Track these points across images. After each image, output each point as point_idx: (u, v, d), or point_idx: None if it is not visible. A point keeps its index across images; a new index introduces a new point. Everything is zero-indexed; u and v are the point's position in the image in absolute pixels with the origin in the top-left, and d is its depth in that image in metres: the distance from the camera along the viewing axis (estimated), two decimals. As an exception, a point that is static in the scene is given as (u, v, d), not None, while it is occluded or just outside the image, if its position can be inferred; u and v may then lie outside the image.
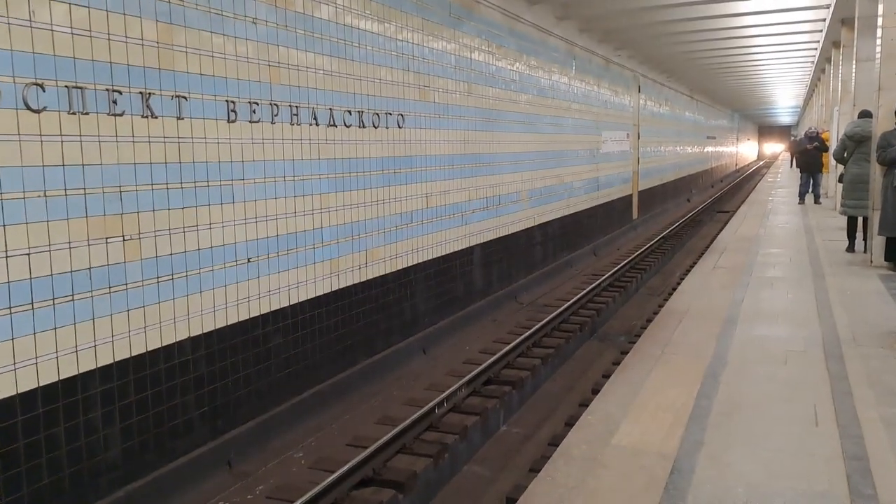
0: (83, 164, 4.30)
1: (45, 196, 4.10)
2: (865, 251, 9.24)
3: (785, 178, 28.33)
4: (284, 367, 6.09)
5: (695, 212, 22.47)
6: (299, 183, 6.15)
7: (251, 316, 5.69)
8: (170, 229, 4.90)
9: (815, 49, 18.65)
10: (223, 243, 5.37)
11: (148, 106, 4.69)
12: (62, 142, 4.18)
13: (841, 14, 13.74)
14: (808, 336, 5.79)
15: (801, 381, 4.76)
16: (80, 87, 4.26)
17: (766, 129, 73.43)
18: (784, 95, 36.17)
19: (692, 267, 11.70)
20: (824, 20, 14.76)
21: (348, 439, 5.86)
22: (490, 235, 10.19)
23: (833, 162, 14.10)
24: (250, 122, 5.58)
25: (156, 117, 4.75)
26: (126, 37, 4.54)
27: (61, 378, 4.22)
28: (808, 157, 16.80)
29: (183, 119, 4.97)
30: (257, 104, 5.64)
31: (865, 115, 9.89)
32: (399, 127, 7.67)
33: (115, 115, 4.47)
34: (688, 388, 4.62)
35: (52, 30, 4.10)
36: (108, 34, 4.43)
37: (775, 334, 5.89)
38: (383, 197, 7.42)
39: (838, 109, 15.11)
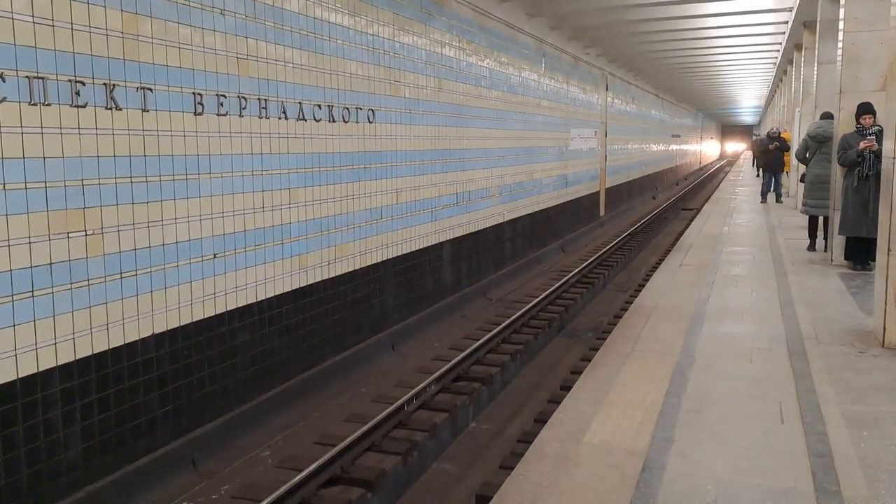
0: (44, 157, 4.18)
1: (5, 189, 3.98)
2: (826, 250, 9.41)
3: (747, 176, 28.76)
4: (251, 364, 6.01)
5: (660, 209, 22.70)
6: (267, 177, 6.07)
7: (217, 313, 5.60)
8: (134, 224, 4.79)
9: (778, 51, 18.96)
10: (188, 238, 5.27)
11: (112, 98, 4.58)
12: (22, 133, 4.06)
13: (803, 17, 13.96)
14: (772, 334, 5.87)
15: (766, 378, 4.83)
16: (42, 78, 4.14)
17: (729, 128, 74.49)
18: (747, 95, 36.74)
19: (658, 264, 11.83)
20: (787, 23, 15.01)
21: (316, 437, 5.80)
22: (460, 231, 10.18)
23: (795, 162, 14.32)
24: (217, 115, 5.49)
25: (120, 109, 4.64)
26: (90, 26, 4.42)
27: (20, 376, 4.10)
28: (770, 156, 17.07)
29: (148, 111, 4.86)
30: (225, 97, 5.55)
31: (827, 116, 10.06)
32: (369, 122, 7.61)
33: (77, 106, 4.36)
34: (657, 386, 4.65)
35: (12, 18, 3.98)
36: (71, 23, 4.31)
37: (741, 332, 5.97)
38: (353, 192, 7.37)
39: (800, 110, 15.37)
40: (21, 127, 4.05)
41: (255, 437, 5.85)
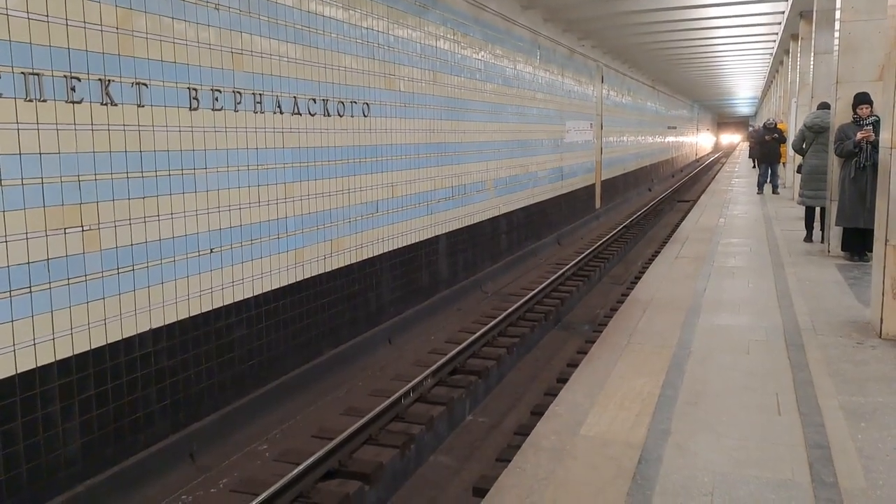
0: (40, 153, 4.17)
1: (1, 186, 3.97)
2: (823, 241, 9.43)
3: (743, 168, 28.79)
4: (248, 358, 6.02)
5: (656, 201, 22.71)
6: (263, 172, 6.06)
7: (214, 307, 5.60)
8: (130, 219, 4.79)
9: (774, 41, 18.94)
10: (185, 233, 5.27)
11: (107, 93, 4.56)
12: (18, 130, 4.05)
13: (799, 7, 13.97)
14: (769, 325, 5.89)
15: (763, 369, 4.84)
16: (37, 74, 4.13)
17: (725, 120, 74.39)
18: (743, 86, 36.71)
19: (654, 256, 11.85)
20: (783, 13, 14.99)
21: (314, 431, 5.82)
22: (455, 225, 10.18)
23: (792, 152, 14.34)
24: (213, 109, 5.47)
25: (115, 105, 4.63)
26: (84, 22, 4.41)
27: (19, 372, 4.10)
28: (767, 147, 17.07)
29: (143, 107, 4.85)
30: (220, 92, 5.53)
31: (824, 106, 10.06)
32: (364, 116, 7.60)
33: (73, 102, 4.35)
34: (654, 378, 4.67)
35: (7, 14, 3.96)
36: (66, 19, 4.29)
37: (737, 324, 5.99)
38: (349, 186, 7.36)
39: (796, 101, 15.38)
40: (17, 123, 4.04)
41: (252, 431, 5.86)
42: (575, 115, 17.05)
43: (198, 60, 5.31)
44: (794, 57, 16.67)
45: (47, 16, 4.18)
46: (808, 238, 10.05)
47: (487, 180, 11.39)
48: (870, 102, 7.98)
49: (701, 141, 57.19)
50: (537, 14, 13.61)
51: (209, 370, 5.60)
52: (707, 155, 60.17)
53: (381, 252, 8.09)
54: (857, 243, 8.35)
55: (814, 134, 9.76)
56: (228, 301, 5.74)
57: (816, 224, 10.00)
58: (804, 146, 9.97)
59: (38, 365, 4.22)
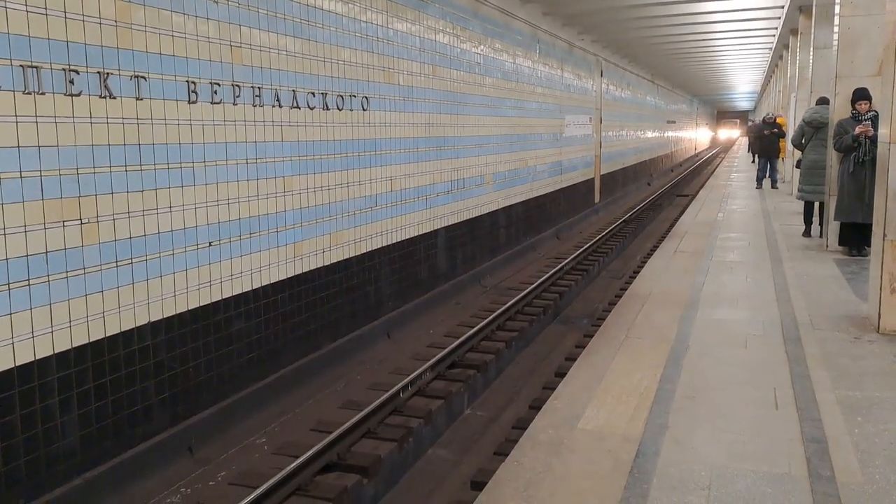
0: (39, 146, 4.17)
1: (0, 178, 3.97)
2: (821, 236, 9.44)
3: (742, 162, 28.79)
4: (246, 352, 6.02)
5: (655, 195, 22.71)
6: (262, 165, 6.06)
7: (212, 300, 5.60)
8: (129, 212, 4.79)
9: (774, 36, 18.92)
10: (184, 227, 5.26)
11: (106, 86, 4.56)
12: (17, 122, 4.04)
13: (799, 2, 13.96)
14: (766, 320, 5.90)
15: (760, 364, 4.85)
16: (36, 67, 4.12)
17: (724, 114, 74.23)
18: (742, 81, 36.66)
19: (653, 251, 11.84)
20: (783, 7, 14.97)
21: (312, 424, 5.83)
22: (454, 219, 10.18)
23: (791, 147, 14.34)
24: (211, 103, 5.47)
25: (114, 98, 4.62)
26: (83, 15, 4.40)
27: (17, 364, 4.11)
28: (766, 142, 17.07)
29: (142, 100, 4.84)
30: (219, 85, 5.52)
31: (823, 101, 10.06)
32: (363, 109, 7.59)
33: (72, 95, 4.34)
34: (652, 372, 4.68)
35: (5, 7, 3.95)
36: (65, 12, 4.29)
37: (735, 318, 6.00)
38: (347, 180, 7.35)
39: (795, 96, 15.37)
40: (15, 116, 4.04)
41: (251, 425, 5.87)
42: (574, 110, 17.04)
43: (196, 54, 5.30)
44: (794, 52, 16.65)
45: (45, 8, 4.17)
46: (807, 233, 10.06)
47: (486, 174, 11.39)
48: (868, 98, 7.97)
49: (700, 135, 57.16)
50: (536, 8, 13.59)
51: (208, 363, 5.60)
52: (706, 150, 60.14)
53: (379, 246, 8.09)
54: (856, 238, 8.35)
55: (813, 129, 9.76)
56: (227, 294, 5.75)
57: (815, 219, 10.00)
58: (803, 141, 9.97)
59: (37, 358, 4.22)
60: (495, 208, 11.88)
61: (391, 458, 5.29)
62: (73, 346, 4.44)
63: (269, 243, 6.19)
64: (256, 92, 5.94)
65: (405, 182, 8.62)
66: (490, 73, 11.47)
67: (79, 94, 4.39)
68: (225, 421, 5.70)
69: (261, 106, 6.00)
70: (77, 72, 4.37)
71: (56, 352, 4.33)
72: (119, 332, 4.77)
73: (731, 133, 72.25)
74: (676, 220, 14.42)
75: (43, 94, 4.17)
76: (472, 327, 8.00)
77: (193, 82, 5.27)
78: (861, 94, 8.03)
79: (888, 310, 5.49)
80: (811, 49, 12.59)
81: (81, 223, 4.45)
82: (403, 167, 8.56)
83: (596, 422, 3.93)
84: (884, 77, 5.68)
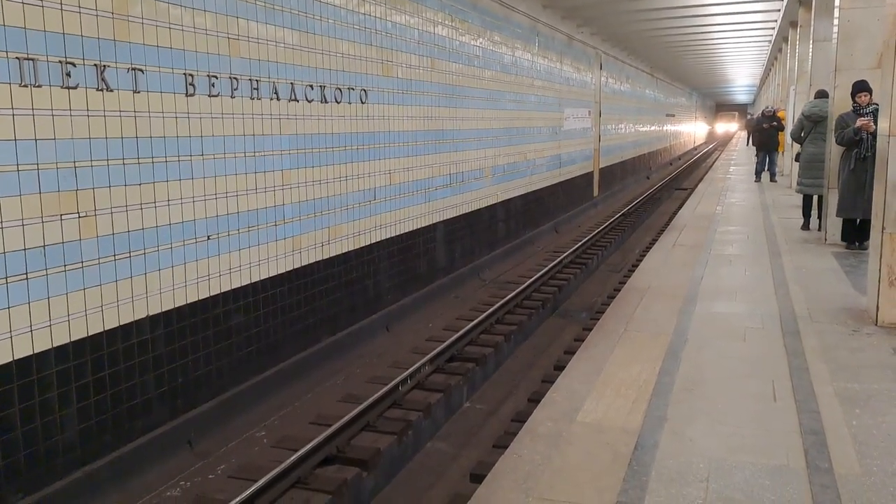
0: (36, 139, 4.16)
1: (-4, 171, 3.96)
2: (820, 229, 9.44)
3: (742, 155, 28.77)
4: (246, 345, 6.02)
5: (654, 189, 22.71)
6: (260, 158, 6.04)
7: (211, 294, 5.60)
8: (126, 206, 4.77)
9: (773, 28, 18.89)
10: (182, 220, 5.25)
11: (103, 79, 4.54)
12: (13, 115, 4.03)
13: (798, -6, 13.92)
14: (765, 313, 5.90)
15: (759, 357, 4.86)
16: (32, 59, 4.11)
17: (723, 107, 74.07)
18: (741, 74, 36.63)
19: (652, 244, 11.85)
20: (782, 0, 14.93)
21: (311, 418, 5.83)
22: (453, 212, 10.17)
23: (790, 141, 14.32)
24: (209, 95, 5.45)
25: (111, 91, 4.61)
26: (80, 7, 4.38)
27: (16, 358, 4.10)
28: (765, 135, 17.05)
29: (139, 93, 4.83)
30: (216, 78, 5.51)
31: (822, 95, 10.04)
32: (362, 102, 7.57)
33: (68, 88, 4.32)
34: (650, 365, 4.68)
35: (0, -2, 3.94)
36: (61, 4, 4.27)
37: (734, 311, 6.00)
38: (346, 173, 7.34)
39: (795, 89, 15.34)
40: (12, 109, 4.02)
41: (250, 418, 5.87)
42: (573, 103, 17.01)
43: (194, 46, 5.28)
44: (793, 45, 16.62)
45: (42, 0, 4.15)
46: (806, 226, 10.06)
47: (485, 168, 11.37)
48: (869, 90, 7.95)
49: (699, 129, 57.09)
50: (536, 1, 13.55)
51: (207, 357, 5.60)
52: (704, 143, 60.11)
53: (378, 239, 8.09)
54: (856, 233, 8.35)
55: (812, 123, 9.75)
56: (226, 288, 5.74)
57: (814, 212, 10.00)
58: (802, 135, 9.96)
59: (36, 351, 4.22)
60: (494, 202, 11.87)
61: (390, 451, 5.30)
62: (72, 339, 4.44)
63: (267, 237, 6.18)
64: (254, 85, 5.92)
65: (404, 175, 8.61)
66: (489, 65, 11.44)
67: (76, 87, 4.37)
68: (224, 414, 5.70)
69: (259, 99, 5.99)
70: (74, 64, 4.35)
71: (55, 345, 4.33)
72: (118, 325, 4.76)
73: (730, 127, 71.89)
74: (675, 213, 14.41)
75: (39, 86, 4.16)
76: (471, 321, 8.00)
77: (191, 75, 5.26)
78: (861, 87, 8.01)
79: (886, 302, 5.50)
80: (810, 42, 12.57)
81: (79, 216, 4.44)
82: (402, 160, 8.54)
83: (595, 414, 3.94)
84: (883, 70, 5.67)
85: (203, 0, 5.35)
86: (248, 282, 5.99)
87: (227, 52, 5.62)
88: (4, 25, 3.96)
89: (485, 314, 8.16)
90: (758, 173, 17.44)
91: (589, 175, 18.99)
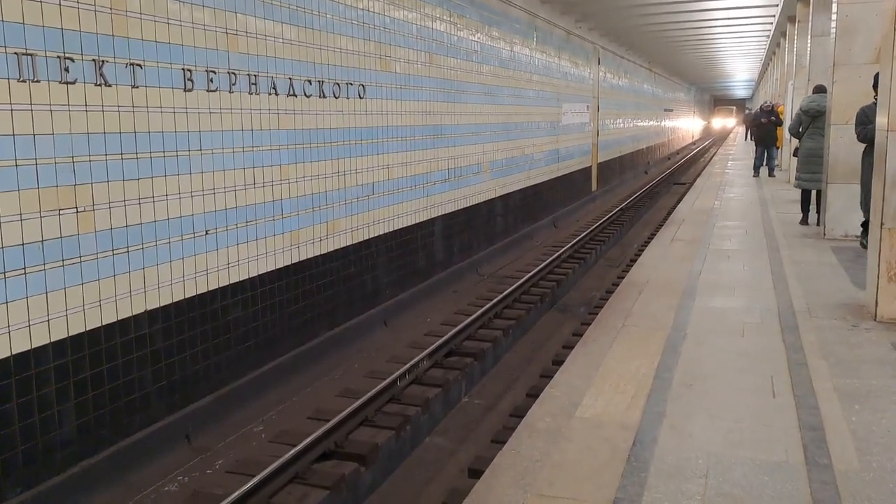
0: (34, 134, 4.14)
1: (-6, 166, 3.95)
2: (819, 224, 9.44)
3: (740, 150, 28.76)
4: (244, 340, 6.02)
5: (652, 183, 22.69)
6: (258, 153, 6.03)
7: (209, 289, 5.59)
8: (125, 201, 4.77)
9: (771, 23, 18.87)
10: (180, 215, 5.25)
11: (101, 74, 4.53)
12: (12, 110, 4.02)
13: (797, -11, 13.91)
14: (764, 308, 5.90)
15: (758, 352, 4.86)
16: (31, 54, 4.09)
17: (722, 102, 73.98)
18: (739, 69, 36.61)
19: (650, 239, 11.86)
20: (781, -6, 14.94)
21: (310, 412, 5.83)
22: (451, 207, 10.16)
23: (788, 136, 14.32)
24: (207, 91, 5.44)
25: (110, 86, 4.60)
26: (78, 2, 4.36)
27: (14, 353, 4.10)
28: (763, 130, 17.04)
29: (138, 88, 4.81)
30: (215, 73, 5.49)
31: (820, 90, 10.04)
32: (360, 97, 7.56)
33: (67, 83, 4.31)
34: (649, 360, 4.68)
35: (-2, -8, 3.92)
36: (59, -2, 4.26)
37: (732, 306, 6.00)
38: (344, 168, 7.33)
39: (793, 84, 15.33)
40: (10, 104, 4.01)
41: (248, 413, 5.87)
42: (571, 98, 17.00)
43: (192, 41, 5.27)
44: (791, 39, 16.61)
45: (40, -5, 4.14)
46: (804, 221, 10.06)
47: (483, 162, 11.36)
48: None
49: (697, 124, 57.06)
50: (534, -5, 13.54)
51: (205, 352, 5.60)
52: (702, 138, 60.08)
53: (376, 234, 8.08)
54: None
55: (810, 118, 9.75)
56: (224, 283, 5.73)
57: (812, 207, 10.00)
58: (800, 130, 9.96)
59: (33, 346, 4.21)
60: (492, 196, 11.87)
61: (389, 446, 5.30)
62: (70, 334, 4.43)
63: (265, 232, 6.17)
64: (252, 80, 5.91)
65: (402, 170, 8.60)
66: (487, 60, 11.42)
67: (74, 82, 4.36)
68: (222, 409, 5.70)
69: (257, 94, 5.97)
70: (72, 59, 4.34)
71: (53, 340, 4.32)
72: (116, 320, 4.76)
73: (727, 122, 71.76)
74: (674, 208, 14.40)
75: (38, 81, 4.14)
76: (470, 315, 8.00)
77: (189, 70, 5.24)
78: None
79: (885, 297, 5.50)
80: (809, 37, 12.56)
81: (77, 211, 4.43)
82: (400, 155, 8.53)
83: (593, 410, 3.94)
84: (882, 64, 5.66)
85: (201, -6, 5.33)
86: (247, 276, 5.99)
87: (226, 47, 5.60)
88: (3, 21, 3.94)
89: (483, 309, 8.15)
90: (756, 168, 17.44)
91: (587, 170, 18.98)
